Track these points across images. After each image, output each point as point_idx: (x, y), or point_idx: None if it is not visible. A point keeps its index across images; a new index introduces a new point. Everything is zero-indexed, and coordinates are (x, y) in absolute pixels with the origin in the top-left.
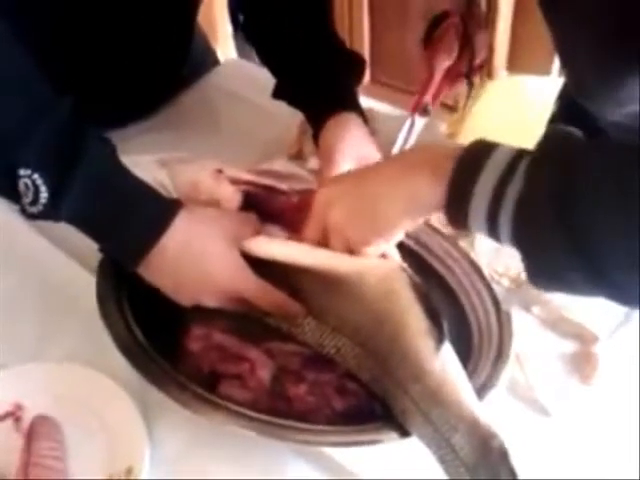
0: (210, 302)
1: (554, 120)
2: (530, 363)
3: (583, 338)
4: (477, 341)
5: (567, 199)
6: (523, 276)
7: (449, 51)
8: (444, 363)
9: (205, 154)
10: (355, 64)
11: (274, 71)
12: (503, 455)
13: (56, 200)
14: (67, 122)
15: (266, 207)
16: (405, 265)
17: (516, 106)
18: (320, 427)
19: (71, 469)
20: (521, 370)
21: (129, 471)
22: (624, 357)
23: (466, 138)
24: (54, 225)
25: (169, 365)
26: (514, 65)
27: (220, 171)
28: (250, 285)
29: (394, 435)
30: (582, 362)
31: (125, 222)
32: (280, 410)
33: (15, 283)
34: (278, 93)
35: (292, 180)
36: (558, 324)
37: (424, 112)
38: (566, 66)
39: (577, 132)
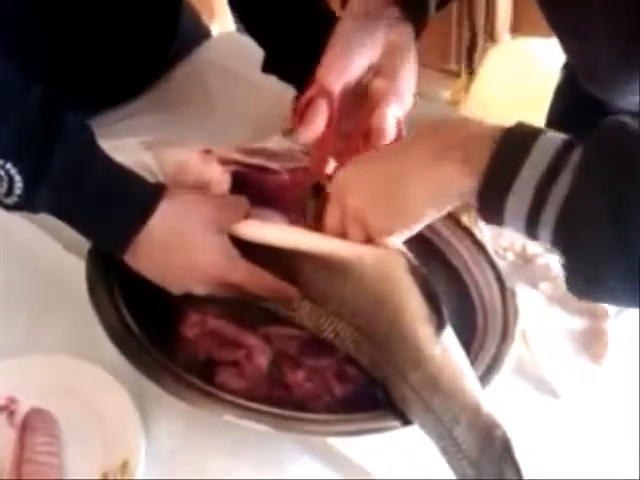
0: (199, 289)
1: (560, 90)
2: (537, 342)
3: (593, 314)
4: (481, 320)
5: (622, 196)
6: (529, 250)
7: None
8: (445, 349)
9: (197, 133)
10: None
11: (262, 43)
12: (506, 446)
13: (31, 191)
14: (39, 109)
15: (257, 187)
16: (404, 248)
17: (520, 70)
18: (321, 416)
19: (66, 464)
20: (528, 349)
21: (125, 465)
22: (636, 334)
23: (470, 106)
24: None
25: (163, 354)
26: (517, 27)
27: (208, 151)
28: (238, 269)
29: (397, 423)
30: (592, 340)
31: (106, 210)
32: (278, 397)
33: (5, 273)
34: (267, 67)
35: (284, 158)
36: (566, 300)
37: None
38: (571, 53)
39: (632, 122)
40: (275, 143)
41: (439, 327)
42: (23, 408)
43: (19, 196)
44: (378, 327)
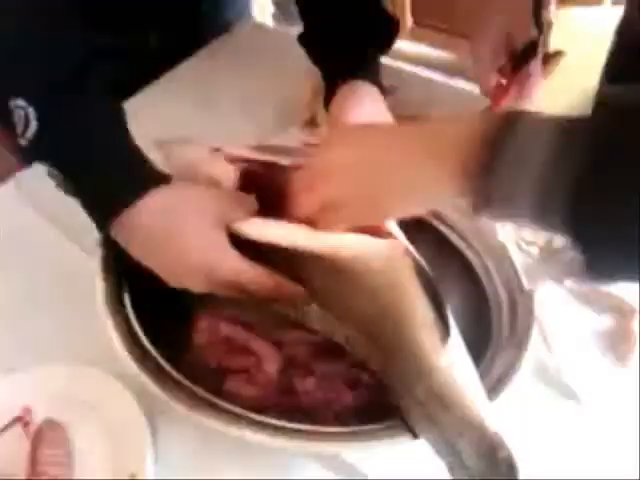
0: (195, 285)
1: (614, 54)
2: (560, 343)
3: (620, 312)
4: (496, 323)
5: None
6: (555, 244)
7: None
8: (451, 360)
9: (215, 123)
10: (388, 29)
11: (304, 14)
12: (510, 469)
13: (42, 134)
14: (74, 66)
15: (266, 184)
16: (410, 248)
17: (569, 41)
18: (329, 429)
19: (75, 475)
20: (549, 352)
21: (132, 478)
22: None
23: None
24: (65, 221)
25: (175, 363)
26: None
27: (217, 149)
28: (229, 263)
29: (407, 437)
30: (618, 340)
31: (104, 175)
32: (288, 406)
33: (21, 282)
34: (303, 39)
35: (295, 154)
36: (592, 297)
37: None
38: None
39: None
40: (291, 136)
41: (445, 335)
42: (38, 419)
43: (30, 140)
44: (384, 335)
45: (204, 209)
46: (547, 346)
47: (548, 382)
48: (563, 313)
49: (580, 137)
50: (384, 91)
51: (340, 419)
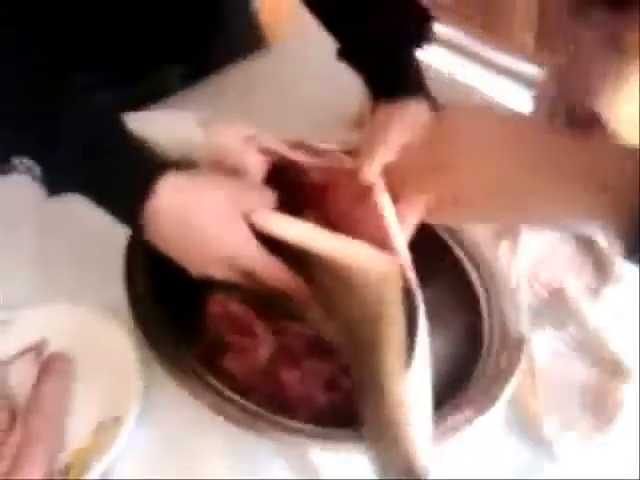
0: (217, 272)
1: None
2: (547, 393)
3: (609, 370)
4: (481, 366)
5: None
6: (568, 291)
7: None
8: (408, 387)
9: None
10: (424, 24)
11: (334, 31)
12: None
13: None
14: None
15: (292, 183)
16: (408, 266)
17: None
18: (296, 424)
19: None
20: (535, 399)
21: (116, 419)
22: None
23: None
24: None
25: (181, 329)
26: None
27: (252, 138)
28: (253, 254)
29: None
30: (603, 398)
31: (113, 185)
32: (268, 392)
33: (52, 226)
34: (341, 54)
35: (325, 157)
36: (590, 348)
37: None
38: None
39: None
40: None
41: (408, 361)
42: (48, 350)
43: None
44: (360, 346)
45: (221, 198)
46: (534, 394)
47: (526, 436)
48: (557, 361)
49: None
50: (434, 102)
51: (310, 417)
